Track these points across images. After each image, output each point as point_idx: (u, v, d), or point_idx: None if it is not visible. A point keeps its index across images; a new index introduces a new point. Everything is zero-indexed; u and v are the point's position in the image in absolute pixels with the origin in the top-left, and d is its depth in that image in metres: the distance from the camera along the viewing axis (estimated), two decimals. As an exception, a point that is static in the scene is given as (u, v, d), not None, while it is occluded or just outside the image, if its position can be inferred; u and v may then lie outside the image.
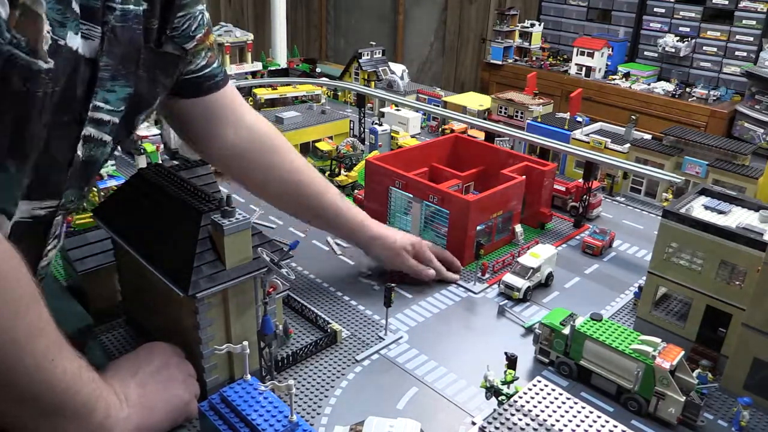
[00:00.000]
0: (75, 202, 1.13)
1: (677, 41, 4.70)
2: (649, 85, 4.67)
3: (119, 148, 2.50)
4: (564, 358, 1.38)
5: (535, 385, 1.03)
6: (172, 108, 1.42)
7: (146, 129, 2.48)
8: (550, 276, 1.75)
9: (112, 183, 2.09)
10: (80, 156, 1.05)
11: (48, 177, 1.02)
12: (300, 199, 1.59)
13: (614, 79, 4.77)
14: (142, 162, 2.36)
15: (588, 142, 2.48)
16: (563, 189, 2.22)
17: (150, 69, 1.12)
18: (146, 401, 1.09)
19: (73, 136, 1.02)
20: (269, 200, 1.67)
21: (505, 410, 0.98)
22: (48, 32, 0.87)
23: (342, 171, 2.30)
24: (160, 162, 2.35)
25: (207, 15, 1.33)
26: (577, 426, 0.94)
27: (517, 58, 5.39)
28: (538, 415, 0.96)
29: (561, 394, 1.01)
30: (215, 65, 1.40)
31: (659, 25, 4.89)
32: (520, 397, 1.00)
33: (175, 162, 2.45)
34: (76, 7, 0.91)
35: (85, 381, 0.98)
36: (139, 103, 1.13)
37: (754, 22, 4.42)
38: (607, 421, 0.95)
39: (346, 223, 1.63)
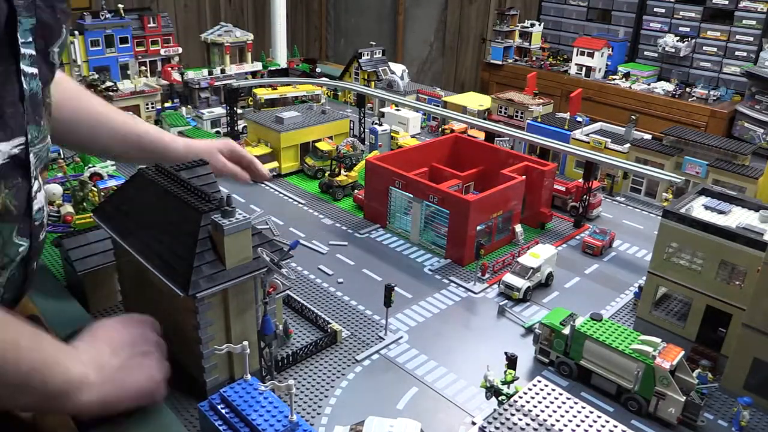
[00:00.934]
0: (39, 138, 1.12)
1: (677, 41, 4.70)
2: (649, 85, 4.67)
3: None
4: (564, 358, 1.38)
5: (535, 385, 1.03)
6: None
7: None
8: (550, 276, 1.75)
9: (112, 183, 2.08)
10: (26, 90, 1.05)
11: (8, 115, 1.02)
12: (113, 137, 1.60)
13: (614, 79, 4.77)
14: (142, 162, 2.36)
15: (588, 142, 2.48)
16: (563, 189, 2.22)
17: None
18: (119, 376, 1.08)
19: (13, 70, 1.02)
20: (84, 146, 1.68)
21: (505, 410, 0.98)
22: None
23: (342, 171, 2.30)
24: (160, 162, 2.34)
25: None
26: (577, 426, 0.94)
27: (517, 58, 5.39)
28: (538, 415, 0.96)
29: (561, 394, 1.01)
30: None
31: (659, 25, 4.89)
32: (520, 397, 1.00)
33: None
34: None
35: (31, 348, 0.99)
36: (48, 33, 1.12)
37: (754, 22, 4.43)
38: (607, 421, 0.95)
39: (164, 146, 1.64)
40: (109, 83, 2.94)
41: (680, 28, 4.78)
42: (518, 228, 1.99)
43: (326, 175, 2.32)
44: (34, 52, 1.07)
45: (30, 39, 1.06)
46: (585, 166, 2.09)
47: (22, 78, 1.04)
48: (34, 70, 1.08)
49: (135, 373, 1.11)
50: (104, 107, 1.63)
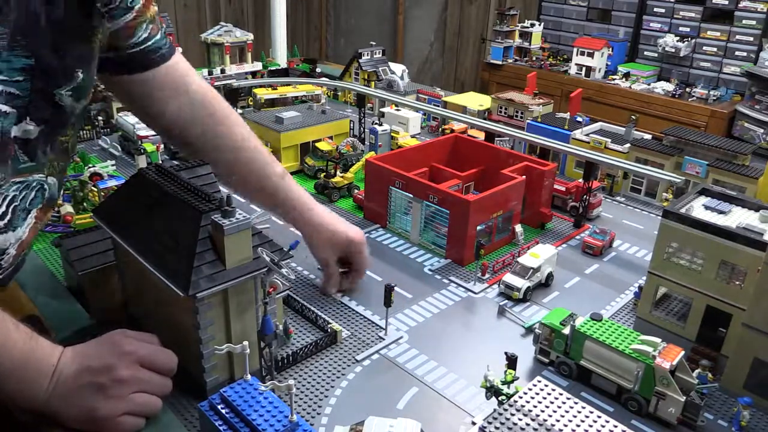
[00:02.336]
0: (5, 179, 1.11)
1: (677, 41, 4.70)
2: (649, 85, 4.67)
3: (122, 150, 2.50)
4: (564, 358, 1.38)
5: (535, 385, 1.03)
6: (119, 85, 1.41)
7: (146, 129, 2.48)
8: (550, 276, 1.75)
9: (112, 183, 2.08)
10: None
11: None
12: (244, 174, 1.56)
13: (614, 79, 4.77)
14: (142, 162, 2.36)
15: (588, 142, 2.48)
16: (563, 189, 2.21)
17: (54, 40, 1.08)
18: (64, 392, 1.07)
19: None
20: (215, 171, 1.59)
21: (505, 410, 0.97)
22: None
23: (338, 172, 2.29)
24: (160, 162, 2.34)
25: None
26: (577, 426, 0.94)
27: (517, 58, 5.39)
28: (538, 415, 0.96)
29: (561, 394, 1.01)
30: (158, 37, 1.38)
31: (659, 25, 4.89)
32: (520, 397, 1.00)
33: (175, 162, 2.45)
34: None
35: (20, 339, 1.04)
36: (51, 76, 1.10)
37: (754, 22, 4.42)
38: (607, 421, 0.95)
39: (286, 201, 1.58)
40: (109, 83, 2.93)
41: (680, 28, 4.77)
42: (518, 228, 1.99)
43: (323, 176, 2.32)
44: (19, 92, 1.05)
45: (19, 78, 1.04)
46: (585, 166, 2.09)
47: None
48: (7, 109, 1.05)
49: (76, 399, 1.08)
50: (243, 146, 1.54)
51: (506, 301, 1.67)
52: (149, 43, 1.37)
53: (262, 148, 1.60)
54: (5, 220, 1.14)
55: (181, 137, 1.53)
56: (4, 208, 1.12)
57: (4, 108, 1.05)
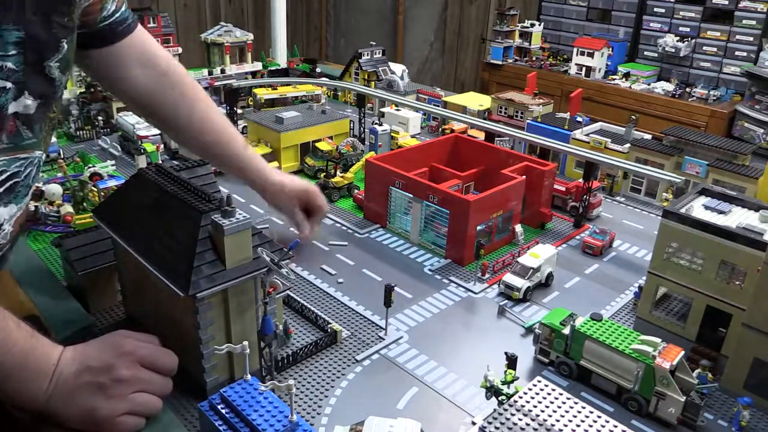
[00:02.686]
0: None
1: (677, 41, 4.70)
2: (649, 85, 4.67)
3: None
4: (564, 358, 1.38)
5: (535, 385, 1.03)
6: (90, 59, 1.44)
7: (146, 129, 2.48)
8: (550, 276, 1.75)
9: (112, 183, 2.08)
10: None
11: None
12: (206, 144, 1.65)
13: (614, 79, 4.77)
14: (142, 162, 2.36)
15: (588, 142, 2.48)
16: (563, 189, 2.21)
17: (40, 11, 1.09)
18: (64, 392, 1.08)
19: None
20: (177, 141, 1.77)
21: (505, 410, 0.97)
22: None
23: (338, 172, 2.29)
24: (160, 162, 2.35)
25: None
26: (577, 426, 0.94)
27: (517, 58, 5.39)
28: (538, 415, 0.96)
29: (561, 394, 1.01)
30: (123, 9, 1.43)
31: (659, 25, 4.89)
32: (520, 397, 1.00)
33: (175, 162, 2.45)
34: None
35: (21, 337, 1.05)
36: (41, 47, 1.11)
37: (754, 22, 4.42)
38: (607, 421, 0.95)
39: (250, 172, 1.74)
40: (109, 83, 2.93)
41: (680, 28, 4.77)
42: (518, 228, 1.99)
43: (322, 176, 2.32)
44: (14, 66, 1.06)
45: (13, 52, 1.05)
46: (585, 166, 2.09)
47: None
48: (6, 84, 1.05)
49: (77, 398, 1.08)
50: (206, 117, 1.64)
51: (506, 301, 1.67)
52: (116, 15, 1.41)
53: (225, 120, 1.72)
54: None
55: (147, 106, 1.59)
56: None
57: (7, 84, 1.05)
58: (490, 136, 2.44)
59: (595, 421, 0.95)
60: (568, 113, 2.67)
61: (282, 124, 2.46)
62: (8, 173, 1.13)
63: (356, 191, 2.26)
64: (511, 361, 1.26)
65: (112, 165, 2.34)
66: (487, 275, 1.78)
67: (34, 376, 1.06)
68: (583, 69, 4.83)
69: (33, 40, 1.08)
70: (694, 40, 4.71)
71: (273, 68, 3.74)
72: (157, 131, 2.48)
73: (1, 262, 1.28)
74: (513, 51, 5.37)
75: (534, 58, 5.33)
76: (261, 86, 3.17)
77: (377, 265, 1.83)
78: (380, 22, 6.93)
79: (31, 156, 1.16)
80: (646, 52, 5.00)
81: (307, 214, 1.81)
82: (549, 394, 1.01)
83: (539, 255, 1.73)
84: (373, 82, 3.35)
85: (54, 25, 1.13)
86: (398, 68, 3.50)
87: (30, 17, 1.07)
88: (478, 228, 1.85)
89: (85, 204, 2.04)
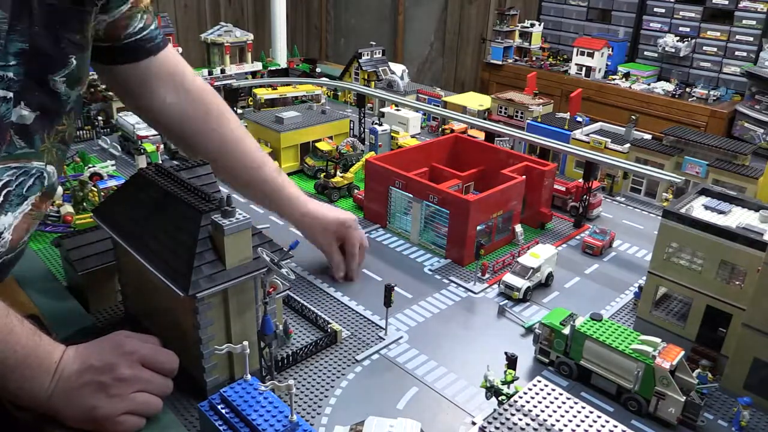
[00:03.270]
0: None
1: (677, 41, 4.70)
2: (649, 85, 4.67)
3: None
4: (564, 358, 1.38)
5: (535, 385, 1.03)
6: (114, 75, 1.44)
7: (146, 129, 2.48)
8: (550, 276, 1.75)
9: (112, 183, 2.09)
10: None
11: None
12: (236, 169, 1.59)
13: (614, 79, 4.77)
14: (142, 162, 2.36)
15: (588, 142, 2.48)
16: (563, 189, 2.22)
17: (49, 25, 1.10)
18: (66, 390, 1.08)
19: None
20: (210, 165, 1.64)
21: (505, 410, 0.97)
22: None
23: (338, 172, 2.29)
24: (160, 162, 2.34)
25: None
26: (577, 426, 0.94)
27: (517, 58, 5.39)
28: (538, 415, 0.96)
29: (561, 394, 1.01)
30: (152, 27, 1.43)
31: (659, 25, 4.89)
32: (520, 397, 1.00)
33: (175, 162, 2.44)
34: None
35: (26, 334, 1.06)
36: (45, 61, 1.11)
37: (754, 22, 4.42)
38: (607, 421, 0.95)
39: (280, 199, 1.63)
40: (109, 83, 2.94)
41: (680, 28, 4.78)
42: (518, 228, 1.99)
43: (322, 176, 2.32)
44: (14, 76, 1.06)
45: (13, 62, 1.05)
46: (585, 166, 2.09)
47: None
48: (7, 94, 1.06)
49: (79, 398, 1.09)
50: (236, 140, 1.57)
51: (506, 301, 1.67)
52: (144, 32, 1.41)
53: (256, 145, 1.65)
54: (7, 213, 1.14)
55: (176, 131, 1.56)
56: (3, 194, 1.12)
57: (8, 94, 1.06)
58: (490, 136, 2.44)
59: (595, 421, 0.95)
60: (568, 113, 2.67)
61: (282, 124, 2.46)
62: (2, 182, 1.13)
63: (356, 191, 2.26)
64: (511, 361, 1.26)
65: (112, 165, 2.34)
66: (487, 275, 1.78)
67: (36, 374, 1.06)
68: (583, 69, 4.84)
69: (37, 53, 1.08)
70: (694, 40, 4.71)
71: (273, 68, 3.74)
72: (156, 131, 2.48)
73: (3, 270, 1.28)
74: (513, 51, 5.37)
75: (534, 58, 5.33)
76: (261, 86, 3.17)
77: (377, 265, 1.83)
78: (380, 22, 6.93)
79: (27, 166, 1.16)
80: (646, 52, 5.01)
81: (343, 251, 1.69)
82: (549, 394, 1.01)
83: (539, 255, 1.73)
84: (373, 82, 3.35)
85: (63, 40, 1.14)
86: (398, 68, 3.50)
87: (38, 30, 1.07)
88: (478, 228, 1.85)
89: (85, 204, 2.04)
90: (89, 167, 2.21)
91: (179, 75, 1.52)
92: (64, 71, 1.16)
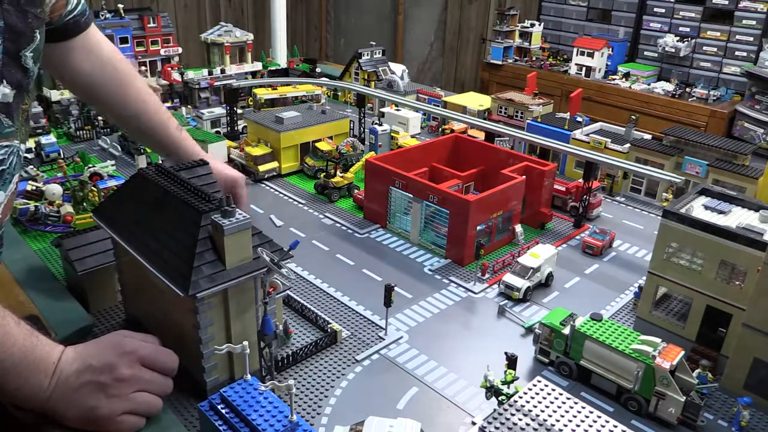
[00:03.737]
0: None
1: (677, 41, 4.70)
2: (649, 85, 4.67)
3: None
4: (564, 358, 1.38)
5: (535, 385, 1.03)
6: (56, 54, 1.48)
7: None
8: (550, 276, 1.75)
9: (112, 183, 2.09)
10: None
11: None
12: (144, 129, 1.72)
13: (614, 79, 4.77)
14: (142, 162, 2.36)
15: (588, 142, 2.48)
16: (563, 189, 2.21)
17: (15, 2, 1.11)
18: (65, 390, 1.08)
19: None
20: (119, 125, 1.92)
21: (505, 410, 0.97)
22: None
23: (338, 172, 2.29)
24: (160, 162, 2.34)
25: None
26: (577, 426, 0.94)
27: (517, 58, 5.39)
28: (538, 415, 0.96)
29: (561, 394, 1.01)
30: (83, 2, 1.48)
31: (659, 25, 4.89)
32: (520, 397, 1.00)
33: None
34: None
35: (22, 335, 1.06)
36: (17, 37, 1.13)
37: (754, 22, 4.42)
38: (607, 421, 0.95)
39: (182, 155, 1.75)
40: (109, 83, 2.93)
41: (680, 28, 4.77)
42: (518, 228, 1.99)
43: (322, 176, 2.32)
44: None
45: None
46: (585, 166, 2.09)
47: None
48: None
49: (77, 397, 1.09)
50: (144, 104, 1.69)
51: (506, 301, 1.67)
52: (78, 8, 1.45)
53: (161, 104, 1.78)
54: None
55: (93, 97, 1.66)
56: None
57: None
58: (490, 136, 2.44)
59: (595, 421, 0.95)
60: (568, 113, 2.67)
61: (282, 124, 2.46)
62: None
63: (356, 191, 2.26)
64: (511, 361, 1.26)
65: (112, 165, 2.34)
66: (487, 275, 1.78)
67: (35, 375, 1.06)
68: (583, 69, 4.83)
69: (10, 30, 1.10)
70: (694, 40, 4.71)
71: (273, 68, 3.74)
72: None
73: None
74: (513, 51, 5.37)
75: (534, 58, 5.33)
76: (261, 86, 3.17)
77: (377, 265, 1.83)
78: (380, 22, 6.93)
79: (12, 145, 1.16)
80: (646, 52, 5.01)
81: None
82: (549, 394, 1.01)
83: (539, 255, 1.73)
84: (373, 82, 3.35)
85: (29, 15, 1.15)
86: (398, 68, 3.50)
87: (6, 6, 1.08)
88: (478, 228, 1.85)
89: (85, 204, 2.04)
90: (89, 167, 2.21)
91: (96, 45, 1.60)
92: (31, 46, 1.17)
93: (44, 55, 1.45)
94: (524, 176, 2.00)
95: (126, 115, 1.68)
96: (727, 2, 4.51)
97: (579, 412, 0.97)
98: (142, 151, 2.39)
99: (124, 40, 3.17)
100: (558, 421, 0.95)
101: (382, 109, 3.03)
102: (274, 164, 2.44)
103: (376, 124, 2.72)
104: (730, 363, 1.34)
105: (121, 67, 1.67)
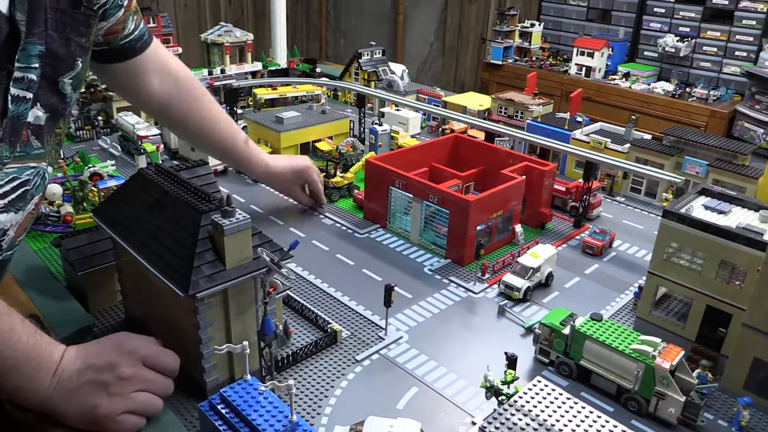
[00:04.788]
0: (9, 159, 1.13)
1: (677, 41, 4.70)
2: (649, 85, 4.67)
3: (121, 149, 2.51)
4: (564, 358, 1.38)
5: (535, 385, 1.03)
6: (110, 72, 1.58)
7: (146, 129, 2.48)
8: (550, 276, 1.75)
9: (112, 183, 2.08)
10: (10, 108, 1.07)
11: None
12: (214, 143, 1.89)
13: (614, 79, 4.77)
14: (142, 162, 2.36)
15: (588, 142, 2.48)
16: (563, 189, 2.21)
17: (60, 29, 1.15)
18: (66, 389, 1.08)
19: (2, 87, 1.05)
20: (188, 141, 2.14)
21: (505, 410, 0.97)
22: None
23: (338, 172, 2.29)
24: (160, 162, 2.34)
25: None
26: (577, 426, 0.94)
27: (517, 58, 5.39)
28: (538, 415, 0.96)
29: (561, 394, 1.01)
30: (141, 26, 1.55)
31: (659, 25, 4.89)
32: (520, 397, 1.00)
33: (175, 162, 2.44)
34: None
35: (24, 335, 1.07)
36: (57, 63, 1.15)
37: (754, 22, 4.43)
38: (607, 421, 0.95)
39: (251, 164, 1.99)
40: (109, 83, 2.94)
41: (680, 28, 4.78)
42: (518, 228, 1.99)
43: (322, 176, 2.32)
44: (35, 78, 1.10)
45: (36, 65, 1.10)
46: (585, 166, 2.09)
47: (9, 97, 1.07)
48: (27, 95, 1.10)
49: (78, 397, 1.09)
50: (214, 119, 1.83)
51: (506, 301, 1.67)
52: (136, 33, 1.52)
53: (229, 118, 1.93)
54: (7, 200, 1.14)
55: (165, 113, 1.78)
56: (8, 188, 1.14)
57: (23, 93, 1.09)
58: (490, 136, 2.44)
59: (595, 421, 0.95)
60: (568, 113, 2.67)
61: (282, 124, 2.46)
62: (20, 180, 1.15)
63: (356, 191, 2.26)
64: (511, 361, 1.26)
65: (112, 165, 2.34)
66: (487, 275, 1.78)
67: (36, 373, 1.06)
68: (583, 69, 4.84)
69: (52, 56, 1.13)
70: (694, 40, 4.71)
71: (273, 68, 3.74)
72: (156, 131, 2.48)
73: (2, 267, 1.28)
74: (513, 51, 5.38)
75: (534, 58, 5.33)
76: (261, 86, 3.17)
77: (377, 265, 1.83)
78: (380, 22, 6.93)
79: (39, 167, 1.19)
80: (646, 52, 5.01)
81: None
82: (549, 394, 1.01)
83: (539, 255, 1.73)
84: (373, 82, 3.35)
85: (72, 43, 1.18)
86: (398, 68, 3.50)
87: (51, 33, 1.12)
88: (478, 228, 1.85)
89: (85, 204, 2.04)
90: (89, 167, 2.21)
91: (165, 64, 1.70)
92: (71, 73, 1.19)
93: (114, 79, 1.65)
94: (524, 176, 2.00)
95: (199, 131, 1.82)
96: (727, 2, 4.51)
97: (579, 412, 0.97)
98: (142, 151, 2.39)
99: (124, 40, 3.16)
100: (558, 421, 0.95)
101: (382, 109, 3.03)
102: (274, 164, 2.43)
103: (376, 124, 2.72)
104: (730, 363, 1.34)
105: (194, 84, 1.78)
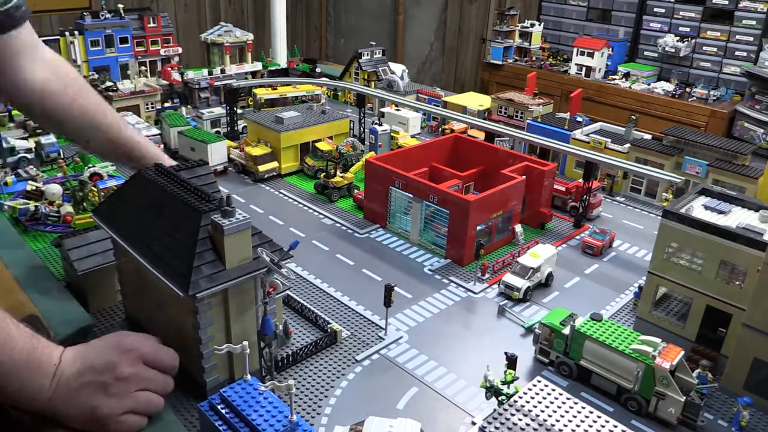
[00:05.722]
0: None
1: (677, 41, 4.70)
2: (649, 85, 4.67)
3: None
4: (564, 358, 1.38)
5: (535, 385, 1.03)
6: None
7: (146, 129, 2.48)
8: (550, 276, 1.75)
9: (112, 183, 2.08)
10: None
11: None
12: (97, 136, 1.61)
13: (614, 79, 4.77)
14: (142, 162, 2.35)
15: (588, 142, 2.48)
16: (563, 189, 2.21)
17: None
18: (66, 391, 1.08)
19: None
20: (67, 135, 1.77)
21: (505, 410, 0.97)
22: None
23: (338, 172, 2.29)
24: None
25: None
26: (577, 426, 0.94)
27: (517, 58, 5.39)
28: (538, 415, 0.96)
29: (561, 394, 1.01)
30: None
31: (659, 25, 4.89)
32: (520, 397, 1.00)
33: (175, 162, 2.44)
34: None
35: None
36: None
37: (754, 22, 4.42)
38: (607, 421, 0.95)
39: (137, 154, 1.65)
40: (108, 83, 2.94)
41: (680, 28, 4.77)
42: (518, 228, 1.99)
43: (322, 176, 2.32)
44: None
45: None
46: (585, 166, 2.09)
47: None
48: None
49: (79, 398, 1.08)
50: (95, 111, 1.59)
51: (506, 301, 1.67)
52: (13, 1, 1.38)
53: (113, 110, 1.68)
54: None
55: (39, 106, 1.53)
56: None
57: None
58: (490, 136, 2.44)
59: (595, 421, 0.95)
60: (568, 113, 2.67)
61: (282, 124, 2.46)
62: None
63: (356, 191, 2.26)
64: (511, 361, 1.26)
65: (112, 165, 2.34)
66: (487, 275, 1.78)
67: (35, 376, 1.06)
68: (583, 69, 4.83)
69: None
70: (694, 40, 4.71)
71: (273, 68, 3.74)
72: (156, 131, 2.48)
73: None
74: (513, 51, 5.37)
75: (534, 58, 5.33)
76: (261, 86, 3.17)
77: (377, 265, 1.83)
78: (380, 22, 6.93)
79: None
80: (646, 52, 5.00)
81: None
82: (549, 394, 1.01)
83: (539, 255, 1.73)
84: (373, 82, 3.35)
85: None
86: (398, 68, 3.50)
87: None
88: (478, 228, 1.85)
89: (85, 204, 2.04)
90: (89, 167, 2.21)
91: (42, 49, 1.51)
92: None
93: None
94: (524, 176, 2.00)
95: (79, 127, 1.57)
96: (727, 2, 4.50)
97: (579, 412, 0.97)
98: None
99: (123, 40, 3.17)
100: (558, 421, 0.95)
101: (382, 109, 3.03)
102: (274, 164, 2.44)
103: (376, 124, 2.72)
104: (730, 363, 1.34)
105: (75, 74, 1.57)
